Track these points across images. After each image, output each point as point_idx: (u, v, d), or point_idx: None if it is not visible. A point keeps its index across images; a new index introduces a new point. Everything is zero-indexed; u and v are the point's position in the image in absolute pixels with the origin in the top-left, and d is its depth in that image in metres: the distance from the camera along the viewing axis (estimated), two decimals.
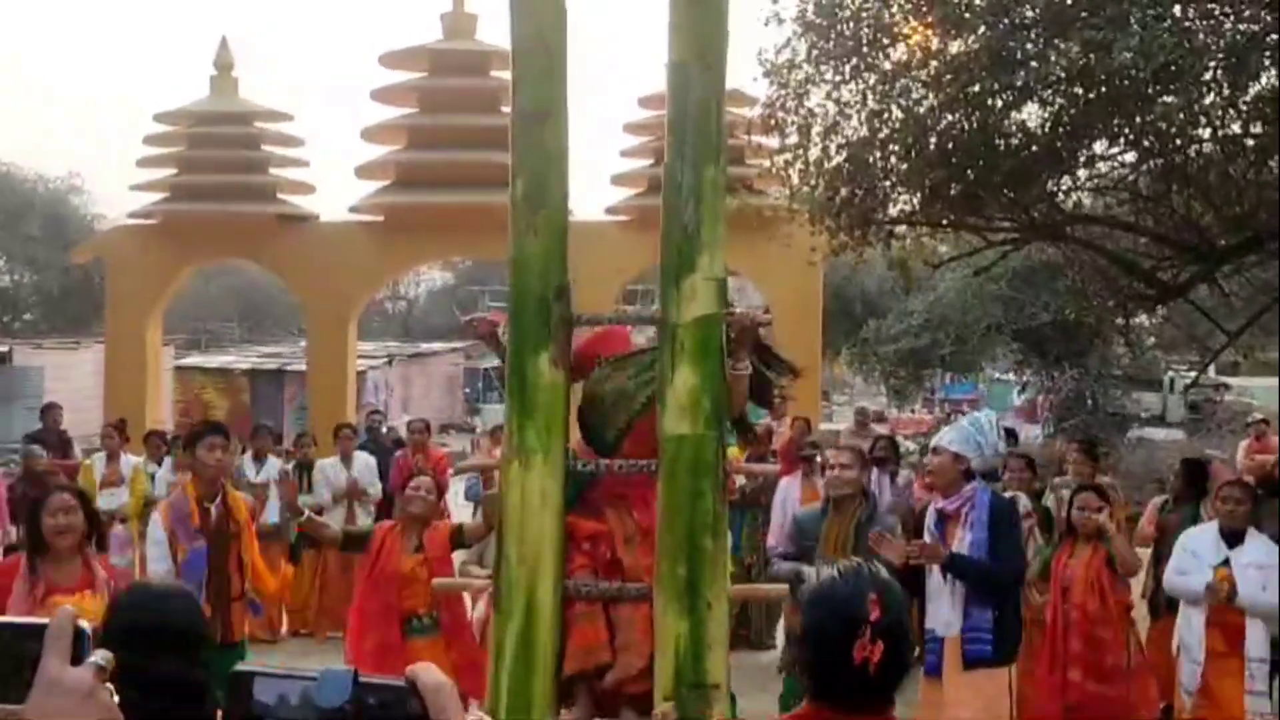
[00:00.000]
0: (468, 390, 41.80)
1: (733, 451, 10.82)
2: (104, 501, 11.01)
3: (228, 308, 45.94)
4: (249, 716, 1.02)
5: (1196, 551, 7.25)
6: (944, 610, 6.01)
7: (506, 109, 4.50)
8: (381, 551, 6.43)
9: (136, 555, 11.34)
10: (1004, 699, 5.99)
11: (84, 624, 1.13)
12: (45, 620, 1.13)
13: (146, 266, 18.51)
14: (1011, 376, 32.29)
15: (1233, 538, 7.13)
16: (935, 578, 5.89)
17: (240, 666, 1.05)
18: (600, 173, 19.59)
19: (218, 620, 6.27)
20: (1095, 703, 6.98)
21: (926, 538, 6.17)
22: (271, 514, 10.54)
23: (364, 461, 11.42)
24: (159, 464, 11.51)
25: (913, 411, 34.15)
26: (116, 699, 1.12)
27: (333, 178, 21.41)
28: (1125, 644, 7.14)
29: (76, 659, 1.10)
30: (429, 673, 1.02)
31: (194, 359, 33.49)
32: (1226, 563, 7.04)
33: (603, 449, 4.56)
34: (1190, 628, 7.26)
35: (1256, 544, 7.13)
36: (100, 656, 1.12)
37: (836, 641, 2.48)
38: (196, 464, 6.52)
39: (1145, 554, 9.41)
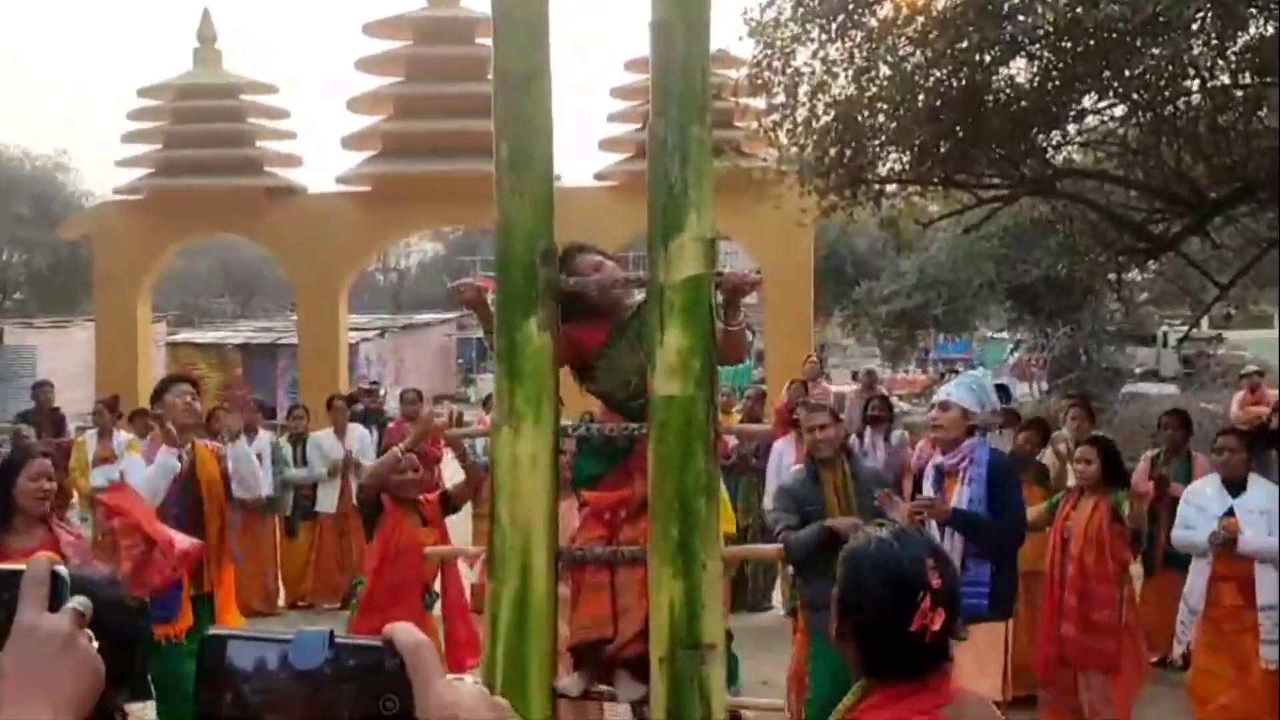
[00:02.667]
0: (461, 361, 41.79)
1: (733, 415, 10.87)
2: (97, 478, 11.00)
3: (219, 283, 45.87)
4: (222, 681, 1.00)
5: (1201, 505, 7.26)
6: None
7: (493, 76, 4.44)
8: (394, 528, 6.45)
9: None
10: (997, 653, 6.02)
11: (61, 570, 1.11)
12: (21, 567, 1.10)
13: (134, 242, 18.43)
14: (1005, 334, 32.35)
15: (1234, 486, 7.14)
16: (932, 530, 5.89)
17: (213, 630, 1.03)
18: (588, 139, 19.50)
19: (194, 571, 6.27)
20: (1085, 656, 7.01)
21: (928, 492, 6.18)
22: (265, 486, 10.53)
23: (358, 434, 11.42)
24: (146, 440, 11.49)
25: (906, 372, 34.19)
26: (96, 645, 1.10)
27: (320, 149, 21.28)
28: (1118, 600, 7.17)
29: (54, 606, 1.08)
30: (407, 632, 1.00)
31: (186, 335, 33.45)
32: (1231, 512, 7.05)
33: (619, 408, 4.57)
34: (1195, 578, 7.29)
35: (1259, 490, 7.14)
36: (78, 603, 1.10)
37: (895, 610, 2.36)
38: (166, 410, 6.47)
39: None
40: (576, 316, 4.51)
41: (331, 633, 1.00)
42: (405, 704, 0.98)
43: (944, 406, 6.26)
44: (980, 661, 5.89)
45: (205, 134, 18.30)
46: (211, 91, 18.72)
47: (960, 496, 6.03)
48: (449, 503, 6.81)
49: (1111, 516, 7.14)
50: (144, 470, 6.35)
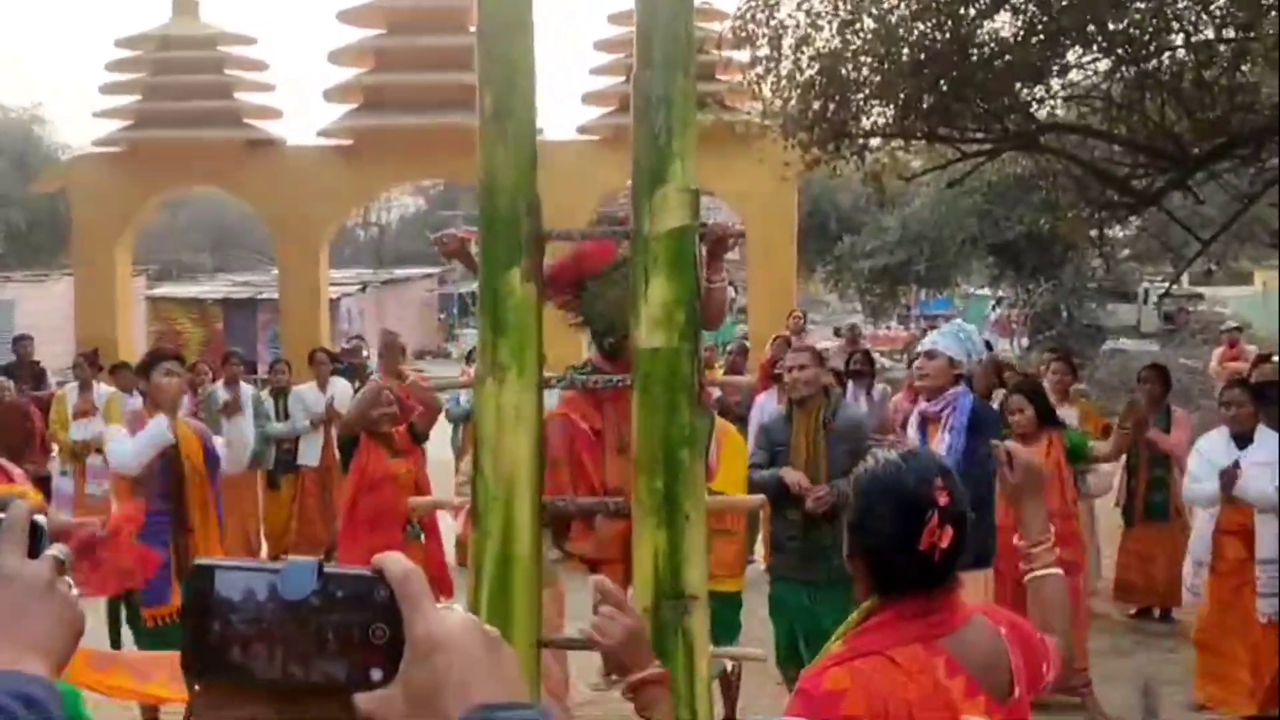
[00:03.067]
0: (443, 315, 41.70)
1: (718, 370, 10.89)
2: (78, 432, 10.98)
3: (199, 238, 45.57)
4: (209, 611, 0.99)
5: (1210, 457, 7.29)
6: None
7: (475, 28, 4.40)
8: (369, 460, 6.52)
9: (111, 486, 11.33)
10: (974, 601, 6.03)
11: (39, 518, 1.11)
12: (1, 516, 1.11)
13: (112, 195, 18.30)
14: (987, 291, 32.43)
15: (1242, 440, 7.15)
16: None
17: (201, 560, 1.02)
18: (572, 92, 19.38)
19: (182, 549, 6.24)
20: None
21: (912, 438, 6.19)
22: (247, 438, 10.52)
23: (341, 387, 11.39)
24: (129, 393, 11.45)
25: (888, 328, 34.25)
26: (76, 592, 1.10)
27: (300, 102, 21.14)
28: (1079, 536, 7.28)
29: (33, 553, 1.08)
30: (396, 561, 1.00)
31: (166, 289, 33.29)
32: (1237, 465, 7.07)
33: (608, 353, 4.61)
34: (1201, 532, 7.34)
35: (1267, 442, 7.14)
36: (58, 549, 1.10)
37: (904, 528, 2.40)
38: (152, 389, 6.42)
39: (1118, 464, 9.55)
40: None
41: (320, 562, 1.00)
42: (395, 633, 0.98)
43: (930, 355, 6.25)
44: None
45: (184, 86, 18.13)
46: (190, 43, 18.54)
47: (941, 443, 6.04)
48: (415, 433, 6.91)
49: (1066, 456, 7.24)
50: (128, 437, 6.29)
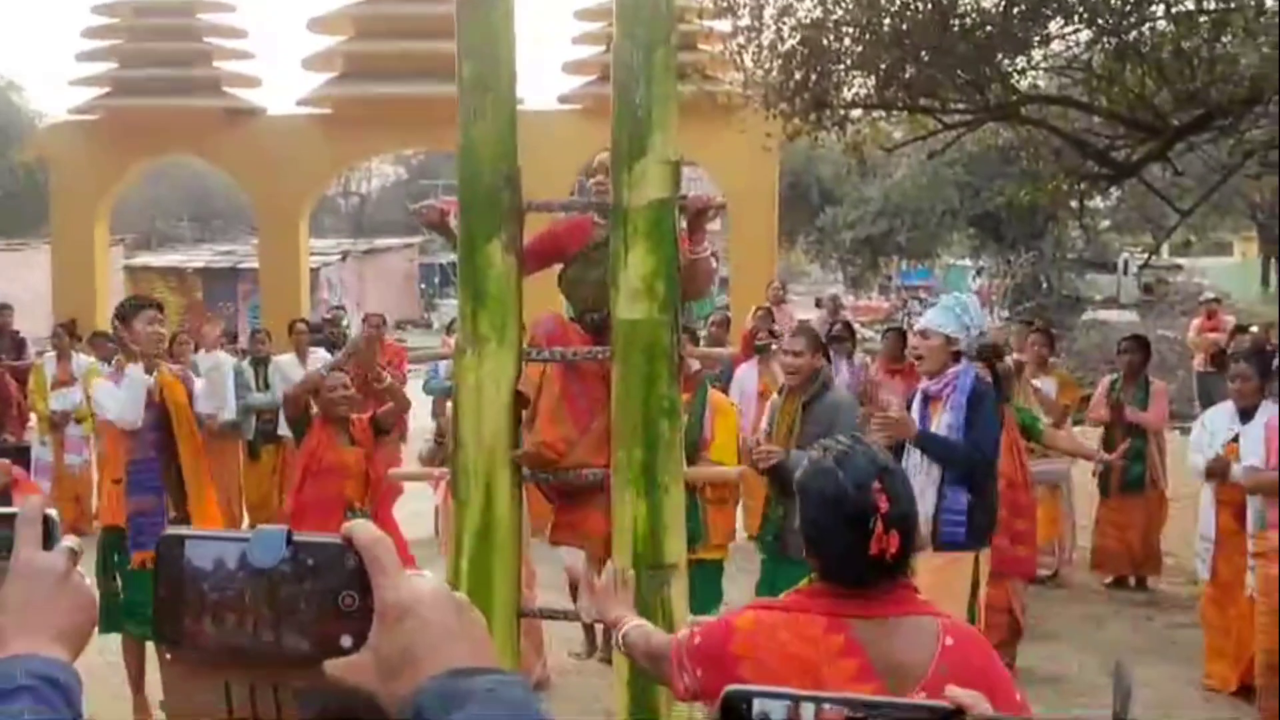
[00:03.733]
0: (423, 286, 41.58)
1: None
2: (56, 402, 10.94)
3: (178, 206, 45.28)
4: (180, 580, 1.00)
5: (1213, 429, 7.32)
6: (919, 491, 6.04)
7: None
8: (320, 445, 6.49)
9: (93, 455, 11.30)
10: (961, 583, 6.05)
11: (51, 512, 1.15)
12: (15, 510, 1.15)
13: (90, 163, 18.16)
14: (967, 261, 32.48)
15: (1246, 414, 7.16)
16: (914, 457, 5.90)
17: (170, 530, 1.03)
18: (552, 61, 19.32)
19: (173, 495, 6.24)
20: (1012, 565, 7.15)
21: (914, 418, 6.21)
22: (229, 411, 10.50)
23: (321, 358, 11.36)
24: (108, 364, 11.41)
25: (869, 298, 34.31)
26: (89, 582, 1.15)
27: (279, 70, 20.97)
28: (1035, 508, 7.36)
29: (47, 545, 1.11)
30: (365, 528, 1.01)
31: (145, 258, 33.11)
32: (1236, 439, 7.08)
33: (589, 329, 4.60)
34: (1205, 505, 7.36)
35: (1268, 415, 7.13)
36: (71, 542, 1.14)
37: (848, 538, 2.42)
38: (134, 336, 6.30)
39: (1096, 434, 9.62)
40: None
41: (290, 531, 1.01)
42: (364, 600, 0.98)
43: (925, 334, 6.21)
44: (948, 590, 5.95)
45: (162, 53, 17.98)
46: (167, 9, 18.38)
47: (940, 423, 6.05)
48: (378, 426, 6.85)
49: (1023, 432, 7.31)
50: (116, 393, 6.24)
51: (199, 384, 6.64)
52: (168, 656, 1.04)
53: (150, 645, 6.30)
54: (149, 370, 6.25)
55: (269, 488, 11.14)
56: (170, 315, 27.94)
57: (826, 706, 0.98)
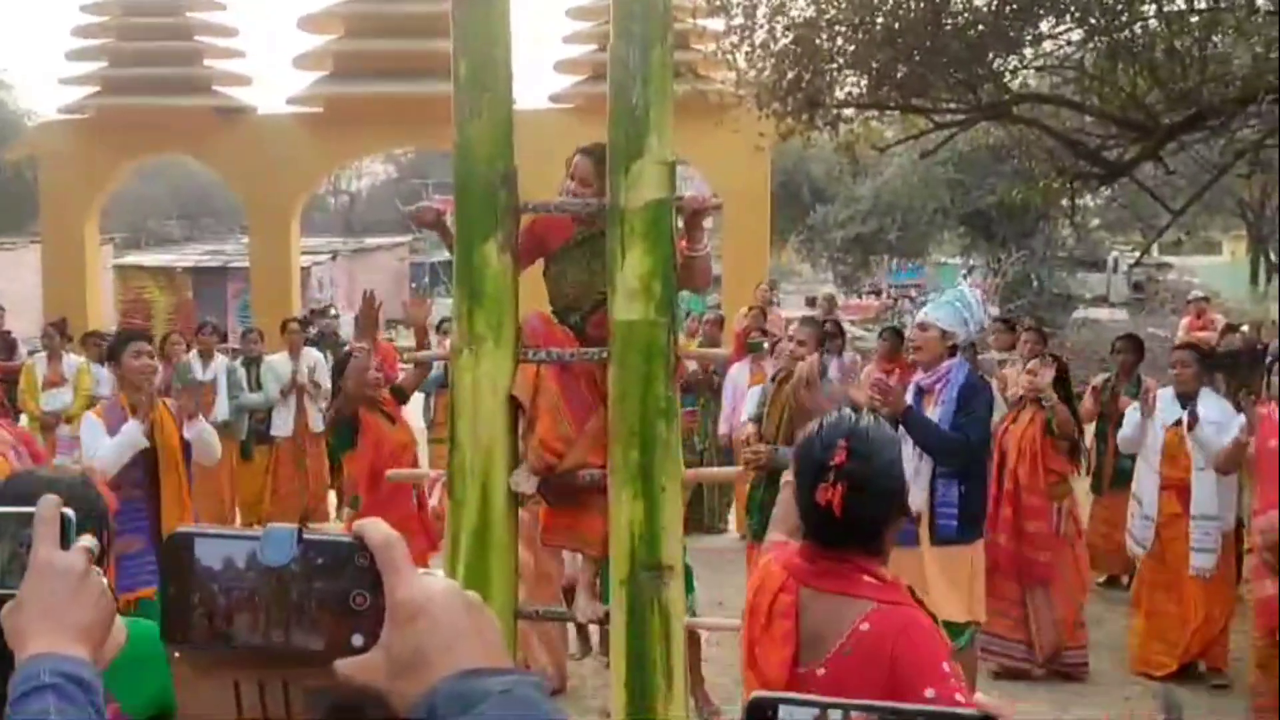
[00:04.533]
0: (414, 285, 41.51)
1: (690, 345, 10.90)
2: (47, 402, 10.90)
3: (168, 205, 45.14)
4: (189, 579, 0.99)
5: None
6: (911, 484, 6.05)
7: None
8: (378, 437, 6.49)
9: (83, 456, 11.25)
10: (964, 573, 6.08)
11: (68, 511, 1.15)
12: (31, 509, 1.15)
13: (80, 162, 18.10)
14: (958, 260, 32.49)
15: (1185, 400, 7.27)
16: (906, 449, 5.92)
17: (180, 528, 1.02)
18: (544, 60, 19.27)
19: (159, 534, 6.21)
20: (1017, 565, 7.17)
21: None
22: (222, 411, 10.48)
23: (313, 357, 11.35)
24: (101, 364, 11.38)
25: (860, 297, 34.32)
26: (106, 580, 1.14)
27: (270, 69, 20.92)
28: (1050, 512, 7.34)
29: (64, 544, 1.11)
30: (375, 527, 1.00)
31: (135, 257, 32.99)
32: (1179, 422, 7.18)
33: (570, 330, 4.59)
34: (1143, 483, 7.44)
35: (1210, 402, 7.26)
36: (88, 541, 1.13)
37: (808, 485, 2.61)
38: (124, 372, 6.35)
39: (1088, 431, 9.63)
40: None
41: (300, 529, 1.00)
42: (376, 599, 0.98)
43: (923, 327, 6.24)
44: (955, 583, 5.97)
45: (151, 52, 17.92)
46: (157, 8, 18.31)
47: (934, 415, 6.07)
48: (400, 395, 6.88)
49: (1044, 429, 7.31)
50: (105, 438, 6.21)
51: (191, 430, 6.51)
52: (176, 656, 1.03)
53: None
54: (140, 403, 6.24)
55: (261, 487, 11.13)
56: (159, 314, 27.84)
57: (854, 714, 0.98)
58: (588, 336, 4.50)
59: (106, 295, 24.10)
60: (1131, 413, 7.68)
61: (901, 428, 5.74)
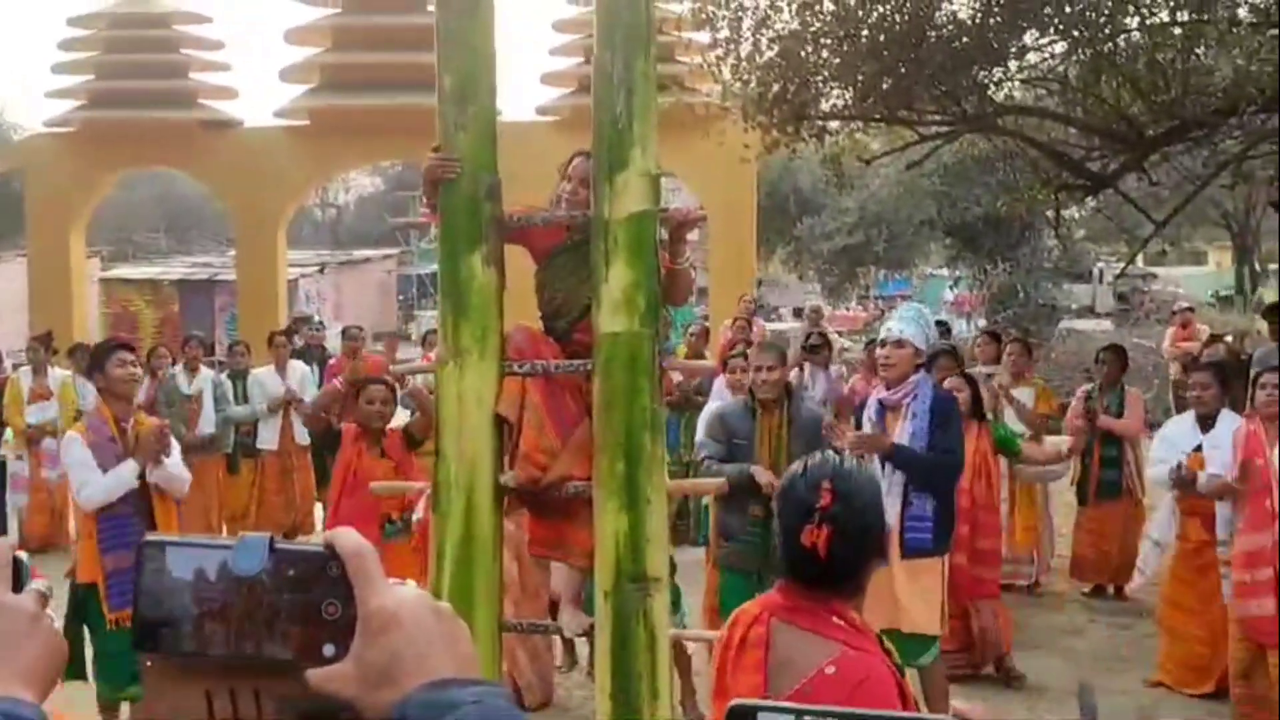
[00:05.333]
0: (401, 297, 41.48)
1: (680, 350, 10.94)
2: (32, 415, 10.87)
3: (154, 218, 45.05)
4: (161, 588, 0.99)
5: (1173, 440, 7.35)
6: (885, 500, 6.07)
7: (433, 8, 4.38)
8: (355, 457, 6.45)
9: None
10: (934, 585, 6.11)
11: (22, 555, 1.13)
12: None
13: (66, 175, 18.07)
14: (944, 271, 32.56)
15: (1206, 423, 7.21)
16: (874, 464, 5.93)
17: (150, 537, 1.03)
18: (529, 73, 19.30)
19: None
20: (973, 585, 7.18)
21: (866, 427, 6.22)
22: (207, 424, 10.45)
23: (300, 370, 11.34)
24: (88, 377, 11.34)
25: (846, 308, 34.38)
26: (58, 625, 1.13)
27: (257, 82, 20.91)
28: (1001, 529, 7.37)
29: (17, 588, 1.11)
30: (347, 537, 1.00)
31: (121, 270, 32.91)
32: (1199, 449, 7.12)
33: (557, 337, 4.59)
34: (1161, 513, 7.40)
35: (1226, 425, 7.17)
36: (40, 584, 1.13)
37: (793, 528, 2.64)
38: (108, 382, 6.27)
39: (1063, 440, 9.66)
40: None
41: (272, 538, 1.00)
42: (347, 609, 0.98)
43: (899, 344, 6.22)
44: (924, 596, 5.99)
45: (138, 65, 17.92)
46: (144, 21, 18.32)
47: (903, 432, 6.07)
48: (411, 439, 6.78)
49: (993, 446, 7.33)
50: (91, 468, 6.16)
51: (155, 475, 6.46)
52: (148, 664, 1.03)
53: (125, 706, 6.28)
54: (127, 414, 6.21)
55: (247, 500, 11.10)
56: (145, 327, 27.76)
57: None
58: (574, 342, 4.50)
59: (92, 308, 24.04)
60: (1158, 450, 7.52)
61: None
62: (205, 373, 11.02)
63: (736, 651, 2.69)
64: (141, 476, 6.19)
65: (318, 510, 11.66)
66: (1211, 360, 9.00)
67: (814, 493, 2.63)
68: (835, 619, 2.63)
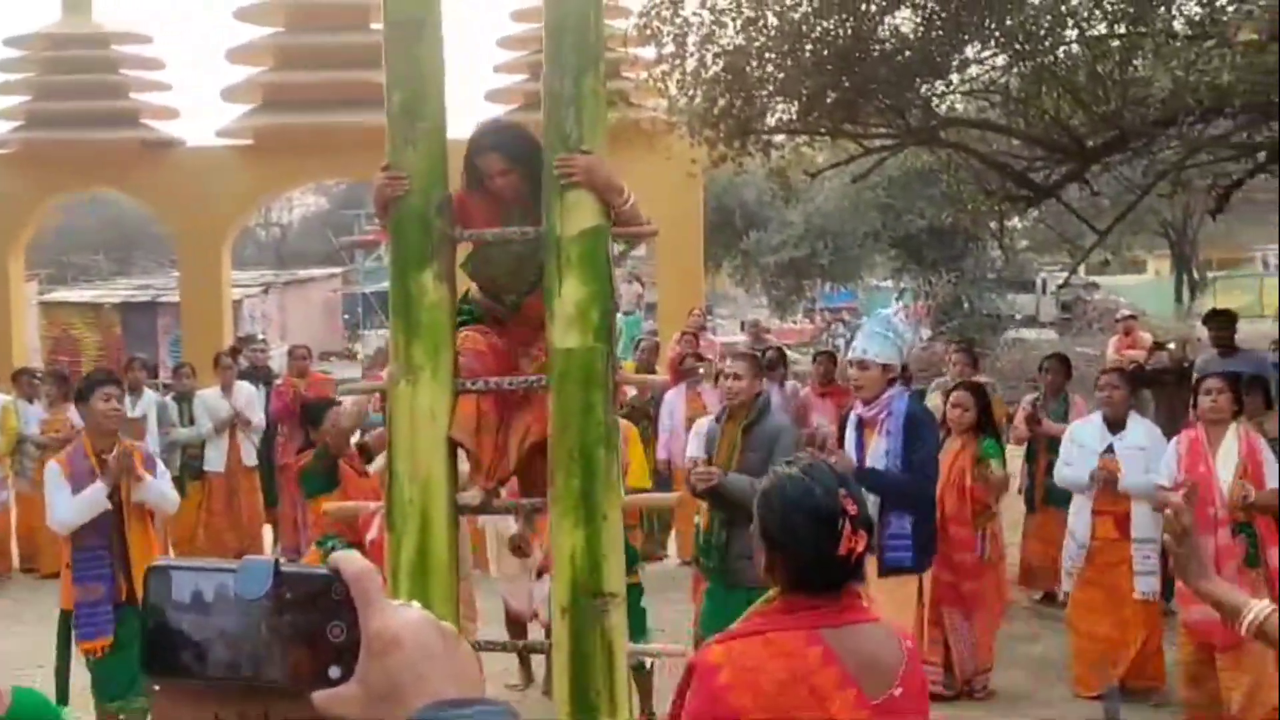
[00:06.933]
0: (347, 317, 41.21)
1: (627, 365, 10.93)
2: None
3: (95, 240, 44.53)
4: (167, 612, 0.99)
5: (1082, 442, 7.50)
6: None
7: (377, 26, 4.37)
8: (355, 487, 6.46)
9: (11, 495, 11.05)
10: (912, 605, 6.13)
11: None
12: None
13: (3, 199, 17.81)
14: (890, 283, 32.82)
15: (1115, 425, 7.37)
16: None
17: (158, 561, 1.02)
18: (474, 90, 19.27)
19: (121, 576, 6.17)
20: (945, 597, 7.24)
21: (850, 441, 6.26)
22: (152, 446, 10.32)
23: (246, 391, 11.23)
24: (30, 401, 11.18)
25: (794, 321, 34.56)
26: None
27: (198, 101, 20.71)
28: (978, 540, 7.43)
29: None
30: (350, 559, 1.00)
31: (61, 294, 32.47)
32: (1110, 450, 7.27)
33: (504, 310, 4.52)
34: (1079, 514, 7.53)
35: (1138, 428, 7.37)
36: None
37: (819, 539, 2.60)
38: (91, 415, 6.33)
39: (1020, 451, 9.75)
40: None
41: (277, 561, 1.00)
42: (352, 631, 0.98)
43: (863, 365, 6.23)
44: (898, 612, 6.01)
45: (77, 85, 17.70)
46: (83, 41, 18.10)
47: (877, 448, 6.11)
48: (367, 453, 6.82)
49: (973, 461, 7.39)
50: (67, 496, 6.16)
51: (140, 492, 6.43)
52: (155, 689, 1.03)
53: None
54: (109, 446, 6.22)
55: (194, 523, 10.99)
56: (88, 351, 27.39)
57: None
58: (524, 316, 4.43)
59: (32, 332, 23.70)
60: (1067, 452, 7.68)
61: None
62: (149, 395, 10.90)
63: (809, 685, 2.58)
64: (120, 511, 6.18)
65: (267, 532, 11.55)
66: (1117, 366, 9.23)
67: (834, 499, 2.62)
68: (862, 600, 2.71)
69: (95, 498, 6.11)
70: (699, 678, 2.64)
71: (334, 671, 0.98)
